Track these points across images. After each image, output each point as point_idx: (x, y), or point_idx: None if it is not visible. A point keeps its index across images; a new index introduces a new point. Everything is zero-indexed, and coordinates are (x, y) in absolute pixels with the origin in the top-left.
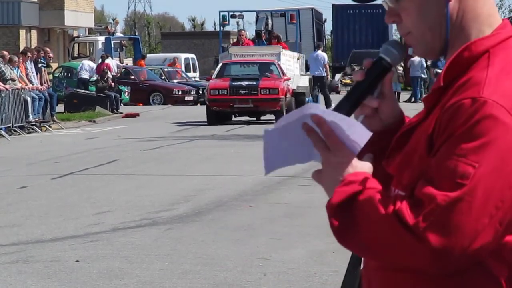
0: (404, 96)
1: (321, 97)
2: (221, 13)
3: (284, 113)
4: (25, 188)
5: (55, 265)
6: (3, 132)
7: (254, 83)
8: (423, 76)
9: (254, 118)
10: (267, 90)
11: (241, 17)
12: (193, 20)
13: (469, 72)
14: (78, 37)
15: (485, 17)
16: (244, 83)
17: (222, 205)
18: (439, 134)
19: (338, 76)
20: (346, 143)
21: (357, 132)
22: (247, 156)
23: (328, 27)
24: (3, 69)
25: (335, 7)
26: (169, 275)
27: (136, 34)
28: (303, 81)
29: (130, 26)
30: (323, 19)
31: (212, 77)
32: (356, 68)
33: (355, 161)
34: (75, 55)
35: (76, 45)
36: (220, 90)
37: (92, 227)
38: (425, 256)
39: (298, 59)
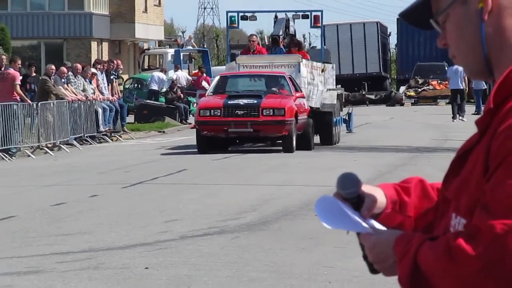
0: (470, 108)
1: (353, 115)
2: (229, 14)
3: (294, 141)
4: (96, 197)
5: (124, 272)
6: (74, 142)
7: (255, 101)
8: (484, 87)
9: (262, 143)
10: (271, 110)
11: (254, 18)
12: (261, 33)
13: None
14: (148, 49)
15: None
16: (242, 101)
17: (289, 214)
18: (492, 159)
19: (402, 89)
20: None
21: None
22: (312, 167)
23: (392, 40)
24: (72, 80)
25: (399, 21)
26: (236, 282)
27: (205, 46)
28: (330, 98)
29: (199, 39)
30: (388, 33)
31: (206, 94)
32: (420, 81)
33: (388, 235)
34: (145, 67)
35: (146, 57)
36: (212, 110)
37: (161, 235)
38: (494, 285)
39: (323, 70)
